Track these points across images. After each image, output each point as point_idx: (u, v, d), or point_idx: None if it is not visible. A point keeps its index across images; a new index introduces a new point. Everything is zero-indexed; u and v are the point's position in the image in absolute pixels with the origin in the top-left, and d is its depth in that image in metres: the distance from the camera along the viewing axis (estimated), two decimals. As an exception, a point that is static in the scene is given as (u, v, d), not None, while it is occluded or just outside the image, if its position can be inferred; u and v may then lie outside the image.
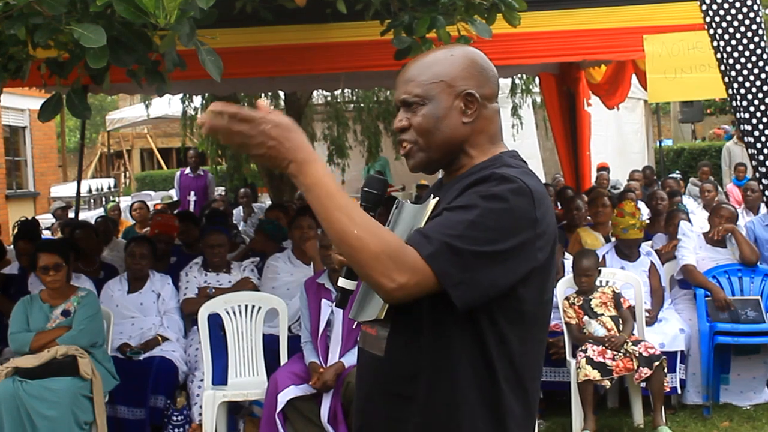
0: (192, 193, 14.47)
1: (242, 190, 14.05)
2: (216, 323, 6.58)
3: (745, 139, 6.82)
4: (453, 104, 2.45)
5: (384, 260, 2.19)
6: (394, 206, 2.59)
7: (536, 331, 2.44)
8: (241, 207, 13.68)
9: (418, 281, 2.21)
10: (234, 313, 6.60)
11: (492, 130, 2.52)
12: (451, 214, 2.27)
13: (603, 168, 15.37)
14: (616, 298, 6.87)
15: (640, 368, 6.45)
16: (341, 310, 5.01)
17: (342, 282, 2.47)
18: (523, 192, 2.29)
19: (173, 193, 16.19)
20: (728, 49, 6.61)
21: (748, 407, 7.15)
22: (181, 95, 15.09)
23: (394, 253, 2.20)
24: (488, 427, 2.37)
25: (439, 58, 2.50)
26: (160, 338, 6.96)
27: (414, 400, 2.39)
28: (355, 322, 2.66)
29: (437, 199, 2.45)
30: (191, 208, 13.74)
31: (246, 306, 6.65)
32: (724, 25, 6.61)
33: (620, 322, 6.75)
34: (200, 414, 6.45)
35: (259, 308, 6.65)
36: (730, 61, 6.59)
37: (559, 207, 10.18)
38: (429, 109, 2.45)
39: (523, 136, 16.36)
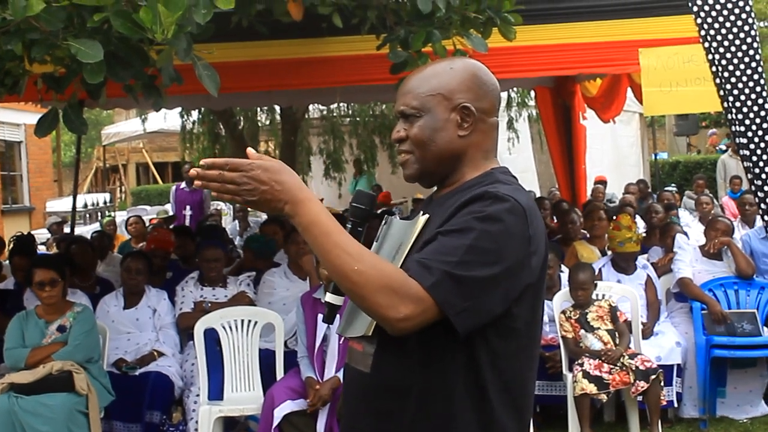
0: (188, 207, 14.46)
1: (238, 204, 14.08)
2: (212, 338, 6.56)
3: (741, 152, 6.83)
4: (449, 117, 2.45)
5: (387, 293, 2.19)
6: (384, 222, 2.59)
7: (528, 348, 2.43)
8: (237, 221, 13.68)
9: (423, 311, 2.21)
10: (230, 328, 6.58)
11: (487, 145, 2.52)
12: (448, 239, 2.26)
13: (600, 181, 15.39)
14: (613, 311, 6.86)
15: (637, 382, 6.44)
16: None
17: (329, 297, 2.47)
18: (516, 211, 2.30)
19: (169, 208, 16.19)
20: (723, 62, 6.63)
21: (745, 420, 7.13)
22: (178, 110, 15.11)
23: (396, 286, 2.20)
24: None
25: (438, 71, 2.50)
26: (156, 353, 6.94)
27: (402, 417, 2.37)
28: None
29: (427, 216, 2.44)
30: (187, 222, 13.72)
31: (242, 321, 6.63)
32: (719, 38, 6.63)
33: (617, 335, 6.74)
34: (196, 429, 6.42)
35: (255, 323, 6.63)
36: (726, 74, 6.61)
37: (555, 220, 10.18)
38: (425, 121, 2.45)
39: (518, 149, 16.40)
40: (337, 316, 2.51)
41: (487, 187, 2.37)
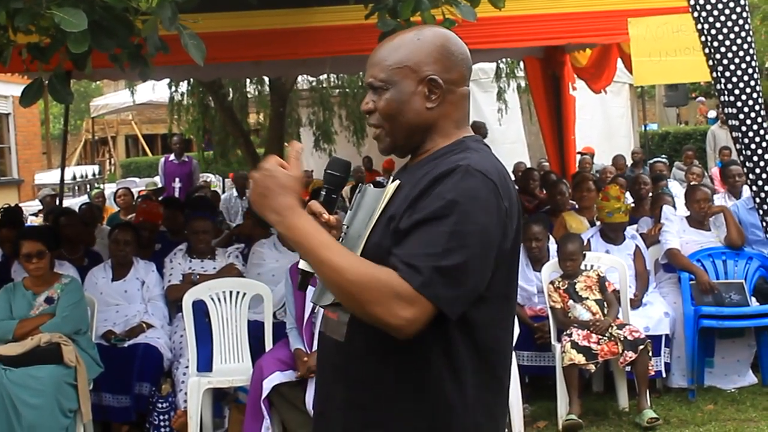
0: (177, 179, 14.45)
1: (240, 172, 14.32)
2: (201, 310, 6.56)
3: (730, 122, 6.82)
4: (416, 89, 2.44)
5: (384, 300, 2.21)
6: (357, 190, 2.59)
7: (503, 314, 2.45)
8: (233, 191, 13.82)
9: (422, 312, 2.23)
10: (219, 300, 6.58)
11: (458, 115, 2.51)
12: (428, 228, 2.25)
13: (584, 153, 15.33)
14: (601, 281, 6.87)
15: (625, 352, 6.45)
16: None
17: (302, 264, 2.48)
18: (488, 184, 2.30)
19: (158, 180, 16.17)
20: (713, 32, 6.60)
21: (733, 390, 7.16)
22: (166, 81, 15.05)
23: (390, 293, 2.21)
24: (453, 413, 2.36)
25: (405, 42, 2.48)
26: (144, 325, 6.93)
27: (377, 386, 2.37)
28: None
29: (397, 182, 2.43)
30: (176, 194, 13.71)
31: (231, 292, 6.62)
32: (708, 8, 6.60)
33: (605, 305, 6.75)
34: (185, 401, 6.42)
35: (244, 294, 6.62)
36: (715, 44, 6.59)
37: (543, 192, 10.18)
38: (392, 94, 2.44)
39: (508, 120, 16.37)
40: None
41: (458, 156, 2.37)
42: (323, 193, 2.50)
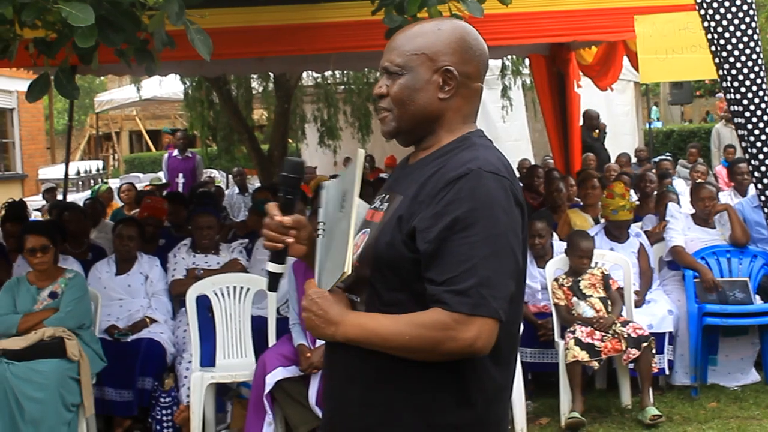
0: (180, 175, 14.46)
1: (236, 169, 14.24)
2: (204, 305, 6.56)
3: (735, 120, 6.81)
4: (431, 78, 2.45)
5: (445, 338, 2.25)
6: (321, 188, 2.65)
7: (516, 310, 2.45)
8: (236, 187, 13.81)
9: (481, 327, 2.26)
10: (222, 295, 6.58)
11: (467, 109, 2.52)
12: (457, 244, 2.26)
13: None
14: (605, 279, 6.87)
15: (629, 349, 6.45)
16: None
17: (269, 266, 2.53)
18: (501, 183, 2.32)
19: (162, 175, 16.18)
20: (719, 29, 6.59)
21: (736, 388, 7.16)
22: (172, 77, 15.03)
23: (445, 327, 2.25)
24: (475, 408, 2.37)
25: (426, 31, 2.50)
26: (148, 320, 6.94)
27: (396, 382, 2.36)
28: None
29: (363, 151, 2.49)
30: (180, 189, 13.72)
31: (234, 287, 6.62)
32: (715, 5, 6.59)
33: (609, 303, 6.75)
34: (188, 396, 6.43)
35: (248, 290, 6.62)
36: (721, 41, 6.57)
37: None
38: (406, 80, 2.46)
39: (512, 117, 16.33)
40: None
41: (465, 154, 2.38)
42: (281, 194, 2.53)
